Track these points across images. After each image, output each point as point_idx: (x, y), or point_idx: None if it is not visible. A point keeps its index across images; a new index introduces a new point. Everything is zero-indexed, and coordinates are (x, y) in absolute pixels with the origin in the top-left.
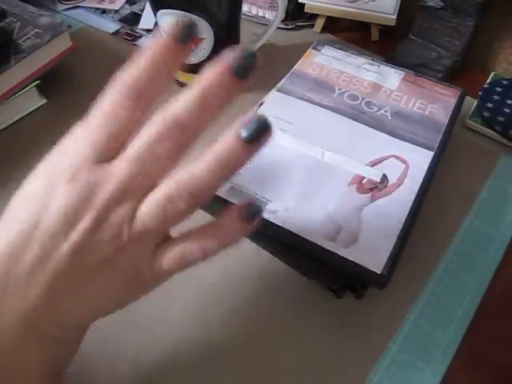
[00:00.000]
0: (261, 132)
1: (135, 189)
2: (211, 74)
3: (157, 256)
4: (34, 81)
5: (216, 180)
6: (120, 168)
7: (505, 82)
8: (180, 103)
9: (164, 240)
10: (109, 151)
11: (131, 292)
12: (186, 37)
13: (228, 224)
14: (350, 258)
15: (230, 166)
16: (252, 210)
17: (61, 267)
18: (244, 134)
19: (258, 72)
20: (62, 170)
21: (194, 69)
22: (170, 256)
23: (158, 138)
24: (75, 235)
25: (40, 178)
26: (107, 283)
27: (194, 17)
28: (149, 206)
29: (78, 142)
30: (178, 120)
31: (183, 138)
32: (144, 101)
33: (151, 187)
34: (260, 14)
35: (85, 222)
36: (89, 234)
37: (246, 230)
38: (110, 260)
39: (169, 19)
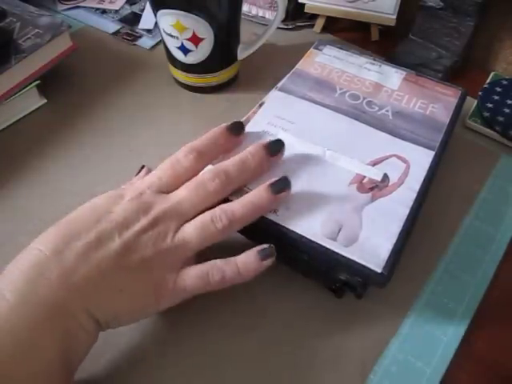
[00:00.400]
0: (284, 188)
1: (186, 210)
2: (253, 147)
3: (183, 270)
4: (35, 81)
5: (248, 214)
6: (176, 194)
7: (505, 82)
8: (229, 161)
9: (193, 261)
10: (169, 186)
11: (151, 298)
12: (234, 130)
13: (248, 259)
14: (351, 257)
15: (258, 208)
16: (268, 251)
17: (107, 258)
18: (273, 189)
19: (258, 72)
20: (128, 191)
21: (194, 69)
22: (193, 272)
23: (210, 178)
24: (127, 234)
25: (109, 195)
26: (137, 281)
27: (195, 17)
28: (194, 222)
29: (148, 175)
30: (225, 170)
31: (227, 183)
32: (202, 161)
33: (198, 213)
34: (260, 14)
35: (138, 226)
36: (138, 235)
37: (260, 268)
38: (147, 262)
39: (169, 19)
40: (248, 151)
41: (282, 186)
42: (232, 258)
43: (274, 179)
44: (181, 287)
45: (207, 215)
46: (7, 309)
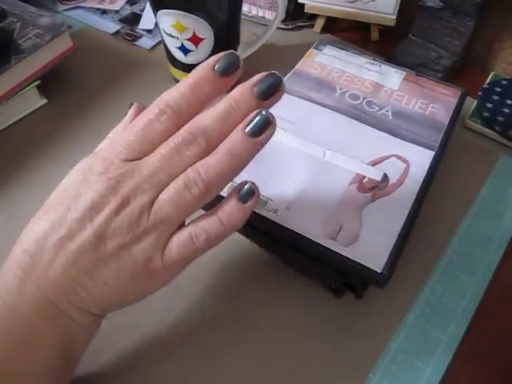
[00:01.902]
0: (263, 127)
1: (159, 181)
2: (236, 90)
3: (168, 245)
4: (35, 81)
5: (227, 169)
6: (148, 163)
7: (504, 82)
8: (207, 117)
9: (175, 232)
10: (141, 152)
11: (142, 282)
12: (224, 71)
13: (228, 207)
14: (351, 257)
15: (237, 157)
16: (247, 190)
17: (83, 248)
18: (249, 129)
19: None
20: (96, 164)
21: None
22: (178, 243)
23: (185, 142)
24: (99, 219)
25: (77, 172)
26: (121, 269)
27: (195, 18)
28: (167, 192)
29: (115, 140)
30: (204, 130)
31: (206, 146)
32: (178, 119)
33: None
34: (260, 14)
35: (108, 208)
36: (111, 219)
37: (244, 212)
38: (126, 246)
39: (169, 19)
40: (231, 96)
41: (260, 124)
42: (211, 212)
43: (249, 117)
44: (170, 262)
45: (180, 181)
46: (3, 308)
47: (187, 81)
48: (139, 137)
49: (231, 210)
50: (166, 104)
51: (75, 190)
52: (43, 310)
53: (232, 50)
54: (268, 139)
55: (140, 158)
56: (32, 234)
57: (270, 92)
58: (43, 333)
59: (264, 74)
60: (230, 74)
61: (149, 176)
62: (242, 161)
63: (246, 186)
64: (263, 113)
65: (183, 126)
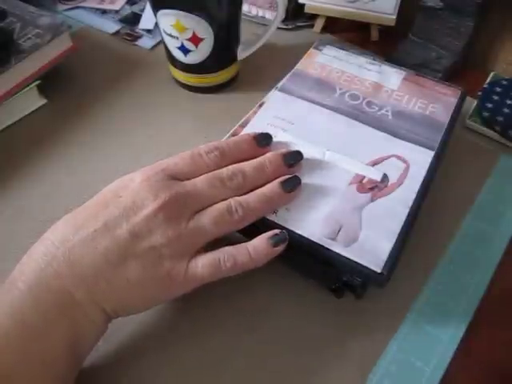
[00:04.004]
0: (295, 186)
1: (201, 199)
2: (269, 154)
3: (195, 259)
4: (35, 81)
5: (260, 208)
6: (191, 183)
7: (504, 82)
8: (245, 164)
9: (203, 249)
10: (185, 175)
11: (160, 287)
12: (263, 142)
13: (259, 244)
14: (351, 257)
15: (271, 201)
16: (280, 238)
17: (116, 242)
18: (285, 184)
19: (258, 72)
20: (137, 175)
21: (194, 69)
22: (205, 260)
23: (227, 176)
24: (135, 219)
25: (121, 179)
26: (146, 269)
27: (195, 18)
28: (210, 211)
29: (163, 160)
30: (243, 171)
31: (243, 183)
32: (222, 162)
33: (211, 205)
34: (260, 14)
35: (146, 210)
36: (147, 220)
37: (271, 254)
38: (157, 249)
39: (169, 19)
40: (267, 157)
41: (293, 183)
42: (243, 244)
43: (286, 176)
44: (192, 275)
45: (223, 205)
46: (18, 297)
47: (232, 138)
48: (187, 161)
49: (262, 248)
50: (215, 146)
51: (115, 192)
52: (60, 301)
53: (267, 133)
54: (294, 197)
55: (182, 180)
56: (61, 226)
57: (295, 161)
58: (55, 322)
59: (292, 151)
60: (265, 145)
61: (192, 191)
62: (271, 206)
63: (281, 234)
64: (297, 176)
65: (221, 168)
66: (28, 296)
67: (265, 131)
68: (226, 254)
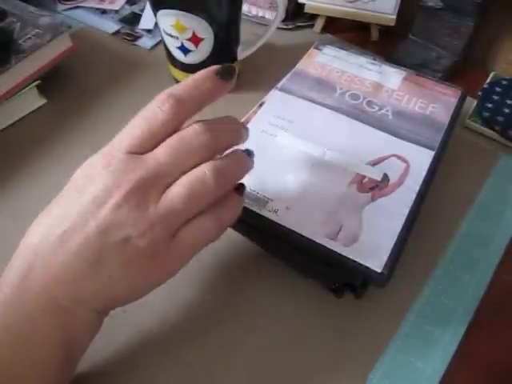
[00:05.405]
0: (232, 72)
1: (166, 173)
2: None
3: (176, 236)
4: (35, 81)
5: (240, 167)
6: (153, 155)
7: (504, 82)
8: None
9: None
10: (144, 145)
11: (150, 275)
12: (225, 74)
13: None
14: (351, 257)
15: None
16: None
17: (86, 241)
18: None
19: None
20: (98, 160)
21: (194, 69)
22: (187, 233)
23: (194, 133)
24: (102, 212)
25: (80, 170)
26: (126, 264)
27: (195, 18)
28: (179, 186)
29: (118, 135)
30: (215, 129)
31: (216, 136)
32: (182, 111)
33: (181, 176)
34: (260, 14)
35: (111, 201)
36: (114, 212)
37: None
38: (130, 241)
39: (169, 19)
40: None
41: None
42: (219, 202)
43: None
44: (180, 253)
45: (195, 173)
46: (3, 303)
47: (190, 77)
48: (142, 127)
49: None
50: (169, 93)
51: (78, 187)
52: (45, 306)
53: (230, 64)
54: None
55: (142, 153)
56: (36, 229)
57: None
58: (44, 330)
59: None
60: (229, 79)
61: (155, 169)
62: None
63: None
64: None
65: (184, 120)
66: (14, 303)
67: (265, 132)
68: (206, 216)
